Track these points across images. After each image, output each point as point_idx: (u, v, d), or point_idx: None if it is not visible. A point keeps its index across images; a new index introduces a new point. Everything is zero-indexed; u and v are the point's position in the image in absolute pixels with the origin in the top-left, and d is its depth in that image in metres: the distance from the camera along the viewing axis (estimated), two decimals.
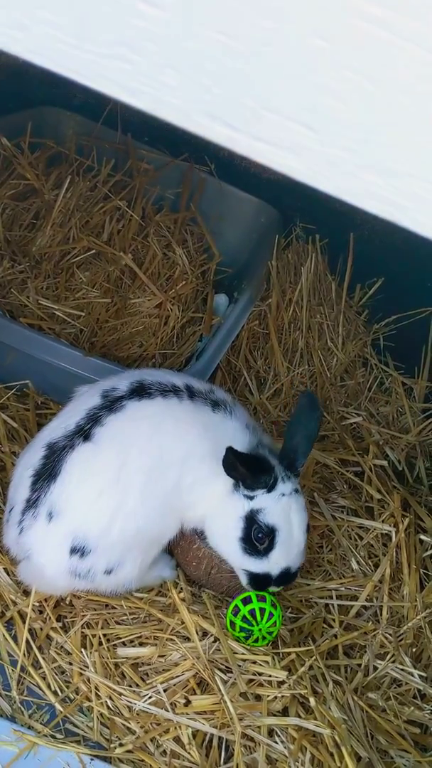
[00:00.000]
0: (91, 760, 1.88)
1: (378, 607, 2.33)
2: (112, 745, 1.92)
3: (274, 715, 1.98)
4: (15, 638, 2.05)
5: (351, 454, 2.72)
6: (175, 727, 1.96)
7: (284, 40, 0.80)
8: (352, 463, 2.71)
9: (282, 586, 2.11)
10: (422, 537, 2.52)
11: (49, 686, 2.00)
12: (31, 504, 1.99)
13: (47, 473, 1.99)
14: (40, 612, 2.11)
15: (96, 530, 1.98)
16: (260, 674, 2.04)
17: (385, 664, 2.20)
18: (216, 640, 2.08)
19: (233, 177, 3.23)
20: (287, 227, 3.28)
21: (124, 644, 2.10)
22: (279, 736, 1.96)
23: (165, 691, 2.01)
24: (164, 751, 1.93)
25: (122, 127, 3.25)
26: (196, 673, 2.04)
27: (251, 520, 2.02)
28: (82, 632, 2.09)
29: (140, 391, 2.06)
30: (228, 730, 1.95)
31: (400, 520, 2.47)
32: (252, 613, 2.08)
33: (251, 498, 2.03)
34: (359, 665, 2.18)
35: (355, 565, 2.42)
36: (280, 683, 2.03)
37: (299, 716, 1.98)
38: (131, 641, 2.11)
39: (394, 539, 2.45)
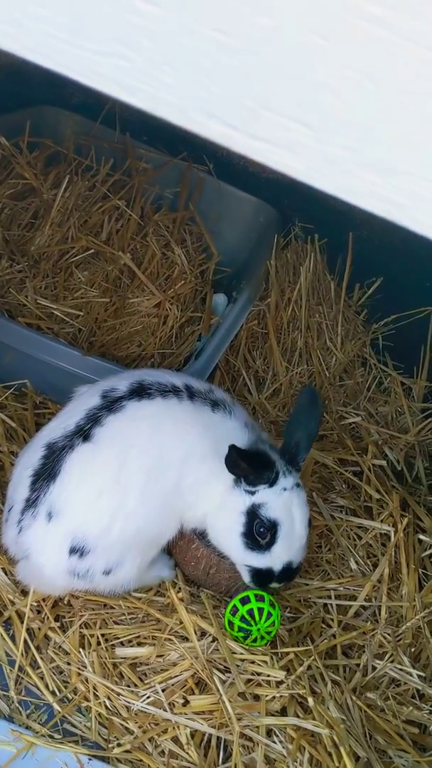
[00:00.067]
0: (89, 760, 1.88)
1: (377, 606, 2.33)
2: (110, 745, 1.92)
3: (273, 715, 1.98)
4: (13, 638, 2.05)
5: (350, 453, 2.71)
6: (174, 727, 1.95)
7: (283, 38, 0.79)
8: (351, 462, 2.71)
9: (284, 582, 2.11)
10: (421, 537, 2.52)
11: (47, 686, 1.99)
12: (31, 503, 1.99)
13: (47, 473, 1.99)
14: (38, 612, 2.11)
15: (96, 530, 1.98)
16: (259, 674, 2.04)
17: (383, 664, 2.19)
18: (214, 639, 2.08)
19: (232, 176, 3.23)
20: (286, 227, 3.27)
21: (122, 644, 2.10)
22: (277, 736, 1.96)
23: (163, 691, 2.00)
24: (162, 751, 1.93)
25: (121, 126, 3.24)
26: (195, 673, 2.03)
27: (253, 514, 2.02)
28: (80, 632, 2.08)
29: (140, 392, 2.06)
30: (226, 730, 1.95)
31: (399, 520, 2.47)
32: (250, 612, 2.08)
33: (252, 493, 2.03)
34: (358, 665, 2.18)
35: (353, 565, 2.42)
36: (279, 683, 2.03)
37: (298, 716, 1.98)
38: (129, 641, 2.10)
39: (392, 539, 2.45)
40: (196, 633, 2.08)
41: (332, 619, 2.27)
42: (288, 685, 2.01)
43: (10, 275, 2.80)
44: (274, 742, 1.94)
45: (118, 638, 2.10)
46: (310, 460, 2.64)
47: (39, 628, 2.07)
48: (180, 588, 2.19)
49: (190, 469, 2.07)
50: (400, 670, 2.20)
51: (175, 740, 1.95)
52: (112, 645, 2.09)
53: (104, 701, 1.99)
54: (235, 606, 2.09)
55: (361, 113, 0.83)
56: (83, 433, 2.00)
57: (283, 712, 2.00)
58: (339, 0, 0.77)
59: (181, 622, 2.10)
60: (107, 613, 2.14)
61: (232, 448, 1.95)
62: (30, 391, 2.59)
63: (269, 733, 1.96)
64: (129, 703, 1.99)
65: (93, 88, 0.84)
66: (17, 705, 1.97)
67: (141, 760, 1.90)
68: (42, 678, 2.00)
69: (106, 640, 2.09)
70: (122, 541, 2.00)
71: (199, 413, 2.10)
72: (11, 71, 3.13)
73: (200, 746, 1.94)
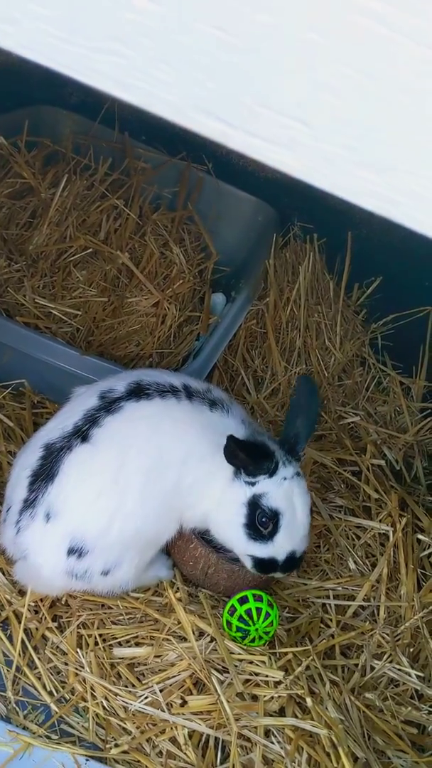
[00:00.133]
0: (87, 760, 1.87)
1: (375, 606, 2.33)
2: (107, 746, 1.92)
3: (271, 716, 1.97)
4: (10, 638, 2.04)
5: (348, 453, 2.71)
6: (171, 728, 1.95)
7: (281, 35, 0.79)
8: (350, 462, 2.71)
9: (288, 572, 2.10)
10: (420, 536, 2.52)
11: (44, 686, 1.99)
12: (29, 504, 1.99)
13: (45, 474, 1.98)
14: (36, 612, 2.10)
15: (94, 531, 1.98)
16: (257, 674, 2.04)
17: (382, 664, 2.19)
18: (212, 640, 2.08)
19: (231, 176, 3.22)
20: (285, 226, 3.27)
21: (120, 644, 2.09)
22: (275, 736, 1.95)
23: (161, 691, 2.00)
24: (160, 752, 1.93)
25: (119, 125, 3.24)
26: (193, 673, 2.03)
27: (254, 505, 2.02)
28: (77, 632, 2.08)
29: (138, 392, 2.06)
30: (224, 730, 1.95)
31: (398, 520, 2.47)
32: (249, 612, 2.08)
33: (252, 484, 2.03)
34: (356, 665, 2.18)
35: (352, 565, 2.42)
36: (277, 683, 2.03)
37: (296, 716, 1.98)
38: (127, 641, 2.10)
39: (391, 539, 2.44)
40: (194, 633, 2.07)
41: (331, 619, 2.27)
42: (286, 685, 2.01)
43: (8, 274, 2.79)
44: (273, 743, 1.94)
45: (116, 638, 2.09)
46: (309, 459, 2.64)
47: (36, 629, 2.07)
48: (178, 588, 2.18)
49: (189, 469, 2.06)
50: (399, 670, 2.20)
51: (173, 741, 1.94)
52: (110, 645, 2.09)
53: (102, 702, 1.98)
54: (233, 606, 2.09)
55: (360, 112, 0.82)
56: (81, 434, 1.99)
57: (281, 712, 2.00)
58: None
59: (179, 622, 2.10)
60: (105, 613, 2.13)
61: (230, 439, 1.95)
62: (28, 391, 2.58)
63: (267, 733, 1.96)
64: (127, 703, 1.98)
65: (90, 85, 0.83)
66: (14, 705, 1.96)
67: (138, 761, 1.90)
68: (39, 678, 2.00)
69: (104, 641, 2.09)
70: (121, 542, 2.00)
71: (198, 413, 2.10)
72: (10, 70, 3.12)
73: (198, 747, 1.94)
